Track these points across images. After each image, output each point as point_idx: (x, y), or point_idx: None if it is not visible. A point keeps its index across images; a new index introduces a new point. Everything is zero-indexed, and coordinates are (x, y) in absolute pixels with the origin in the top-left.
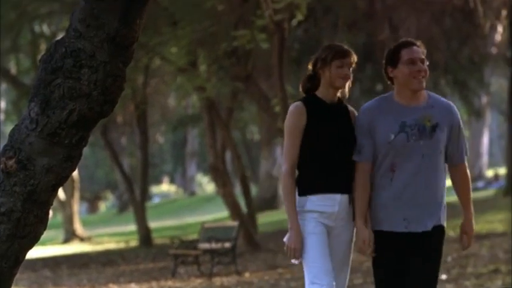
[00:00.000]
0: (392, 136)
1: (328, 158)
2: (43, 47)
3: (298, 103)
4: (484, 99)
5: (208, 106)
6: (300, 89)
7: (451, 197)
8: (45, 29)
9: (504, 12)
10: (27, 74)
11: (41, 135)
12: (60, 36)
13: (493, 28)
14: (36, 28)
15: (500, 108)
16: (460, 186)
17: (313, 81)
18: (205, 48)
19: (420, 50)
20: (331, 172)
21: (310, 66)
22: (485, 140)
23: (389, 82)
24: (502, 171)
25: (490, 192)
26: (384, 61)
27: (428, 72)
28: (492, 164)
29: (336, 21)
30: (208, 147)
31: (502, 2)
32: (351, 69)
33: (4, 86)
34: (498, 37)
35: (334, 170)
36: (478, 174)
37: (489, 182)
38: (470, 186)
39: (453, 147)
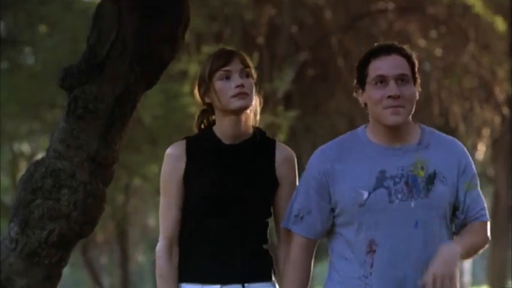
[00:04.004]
0: (366, 194)
1: (207, 226)
2: (23, 165)
3: (177, 143)
4: None
5: None
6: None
7: None
8: (25, 148)
9: (486, 131)
10: (7, 193)
11: (20, 255)
12: (39, 155)
13: (475, 147)
14: (16, 147)
15: None
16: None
17: (207, 115)
18: None
19: (401, 60)
20: (210, 250)
21: (197, 96)
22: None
23: (366, 109)
24: None
25: None
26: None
27: (413, 95)
28: (475, 283)
29: (316, 140)
30: None
31: (483, 121)
32: (250, 77)
33: None
34: (480, 156)
35: (217, 247)
36: None
37: None
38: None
39: (466, 205)
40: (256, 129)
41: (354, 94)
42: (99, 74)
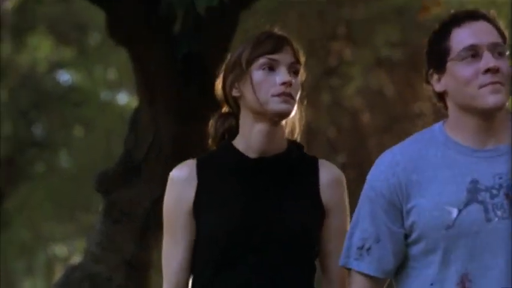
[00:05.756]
0: (455, 212)
1: (230, 273)
2: (58, 268)
3: (184, 163)
4: None
5: None
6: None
7: None
8: (60, 250)
9: None
10: None
11: None
12: (75, 258)
13: None
14: (51, 250)
15: None
16: None
17: (228, 122)
18: None
19: (493, 29)
20: None
21: (219, 91)
22: None
23: (439, 103)
24: None
25: None
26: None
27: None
28: None
29: None
30: None
31: None
32: (298, 76)
33: None
34: None
35: None
36: None
37: None
38: None
39: None
40: (292, 143)
41: (425, 84)
42: (136, 178)
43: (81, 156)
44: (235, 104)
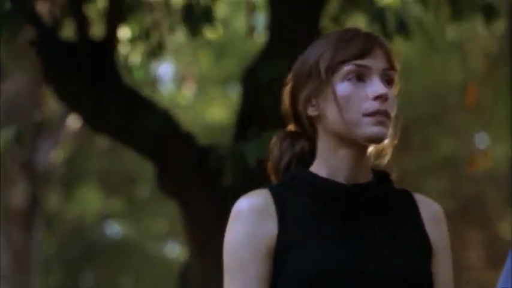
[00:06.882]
0: None
1: None
2: None
3: (254, 193)
4: None
5: None
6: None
7: None
8: None
9: None
10: None
11: None
12: None
13: None
14: None
15: None
16: None
17: (301, 143)
18: None
19: None
20: None
21: (286, 105)
22: None
23: None
24: None
25: None
26: None
27: None
28: None
29: None
30: None
31: None
32: (393, 87)
33: None
34: None
35: None
36: None
37: None
38: None
39: None
40: (377, 171)
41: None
42: None
43: None
44: (309, 125)
